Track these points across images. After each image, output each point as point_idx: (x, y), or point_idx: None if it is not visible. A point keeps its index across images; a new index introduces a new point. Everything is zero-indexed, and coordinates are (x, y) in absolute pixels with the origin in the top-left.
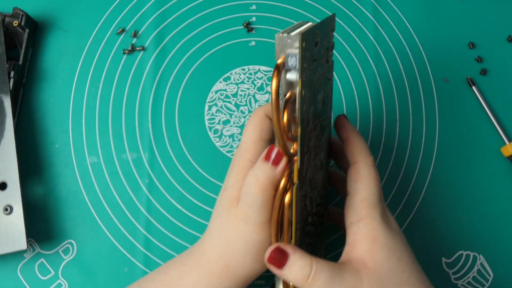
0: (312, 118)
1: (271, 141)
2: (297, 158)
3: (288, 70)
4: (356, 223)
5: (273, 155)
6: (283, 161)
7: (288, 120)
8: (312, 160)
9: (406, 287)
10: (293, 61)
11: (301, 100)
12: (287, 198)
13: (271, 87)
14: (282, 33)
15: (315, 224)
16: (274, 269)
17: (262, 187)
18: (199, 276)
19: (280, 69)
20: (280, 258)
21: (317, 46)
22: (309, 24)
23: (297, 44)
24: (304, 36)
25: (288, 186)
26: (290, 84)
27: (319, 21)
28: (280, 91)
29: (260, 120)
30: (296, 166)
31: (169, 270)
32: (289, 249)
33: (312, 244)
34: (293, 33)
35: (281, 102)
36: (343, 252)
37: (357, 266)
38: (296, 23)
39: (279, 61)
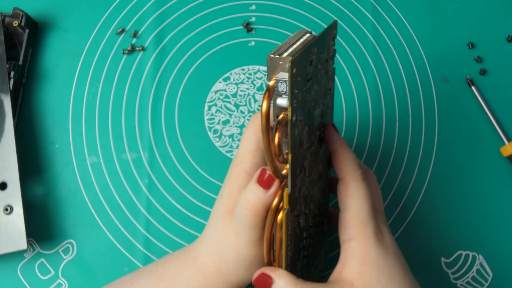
0: (306, 138)
1: None
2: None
3: (278, 95)
4: (347, 242)
5: (264, 179)
6: (275, 185)
7: (280, 142)
8: (308, 177)
9: None
10: (283, 87)
11: (292, 127)
12: (279, 217)
13: (261, 109)
14: (274, 53)
15: (312, 235)
16: None
17: (253, 210)
18: (194, 274)
19: (271, 91)
20: (265, 282)
21: (313, 64)
22: (307, 36)
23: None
24: (294, 62)
25: (280, 206)
26: (282, 107)
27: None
28: (273, 111)
29: (258, 128)
30: (287, 192)
31: (166, 263)
32: (274, 275)
33: (308, 256)
34: (284, 54)
35: (274, 123)
36: (334, 269)
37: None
38: (293, 34)
39: (270, 83)
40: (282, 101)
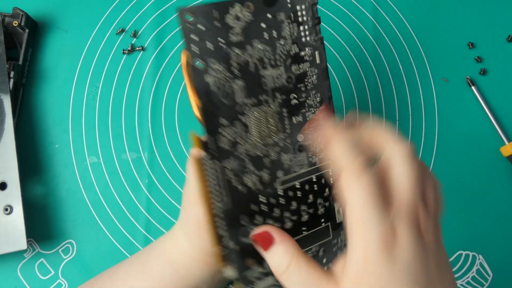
0: (242, 93)
1: None
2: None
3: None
4: (349, 244)
5: None
6: None
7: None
8: (257, 138)
9: None
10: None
11: (195, 71)
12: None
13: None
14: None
15: (289, 208)
16: (258, 248)
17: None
18: (164, 265)
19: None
20: (266, 240)
21: (241, 19)
22: None
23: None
24: (187, 9)
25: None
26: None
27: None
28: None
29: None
30: (194, 135)
31: (135, 259)
32: (278, 236)
33: (292, 231)
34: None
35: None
36: (337, 265)
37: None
38: None
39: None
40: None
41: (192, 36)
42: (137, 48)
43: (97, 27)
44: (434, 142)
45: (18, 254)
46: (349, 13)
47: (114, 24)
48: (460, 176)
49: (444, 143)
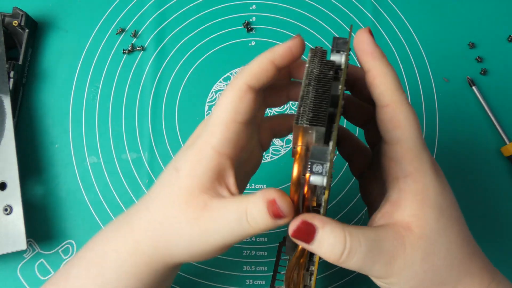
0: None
1: (247, 124)
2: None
3: (311, 171)
4: (403, 179)
5: (277, 210)
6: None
7: (308, 207)
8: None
9: (455, 247)
10: (319, 169)
11: (327, 203)
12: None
13: (291, 176)
14: (299, 116)
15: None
16: (302, 244)
17: (254, 229)
18: (124, 254)
19: (301, 159)
20: (307, 232)
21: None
22: (327, 73)
23: (318, 136)
24: (332, 154)
25: (305, 253)
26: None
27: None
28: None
29: (238, 96)
30: (317, 258)
31: (96, 245)
32: (317, 222)
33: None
34: (310, 115)
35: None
36: (382, 210)
37: (400, 232)
38: (308, 64)
39: (298, 149)
40: (317, 180)
41: (333, 170)
42: (137, 48)
43: (97, 27)
44: (434, 142)
45: (18, 254)
46: (350, 13)
47: (114, 24)
48: (460, 176)
49: (445, 143)
